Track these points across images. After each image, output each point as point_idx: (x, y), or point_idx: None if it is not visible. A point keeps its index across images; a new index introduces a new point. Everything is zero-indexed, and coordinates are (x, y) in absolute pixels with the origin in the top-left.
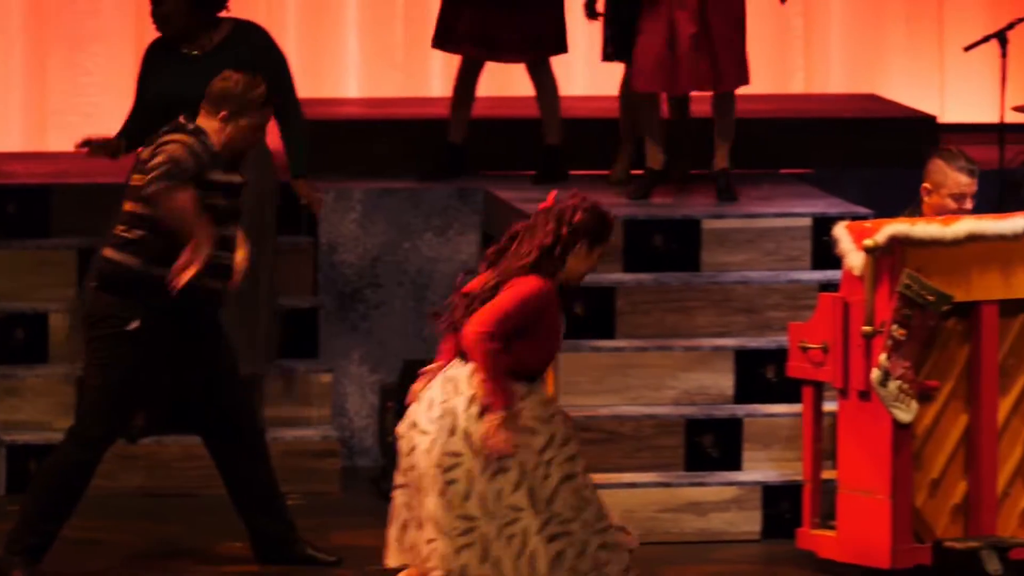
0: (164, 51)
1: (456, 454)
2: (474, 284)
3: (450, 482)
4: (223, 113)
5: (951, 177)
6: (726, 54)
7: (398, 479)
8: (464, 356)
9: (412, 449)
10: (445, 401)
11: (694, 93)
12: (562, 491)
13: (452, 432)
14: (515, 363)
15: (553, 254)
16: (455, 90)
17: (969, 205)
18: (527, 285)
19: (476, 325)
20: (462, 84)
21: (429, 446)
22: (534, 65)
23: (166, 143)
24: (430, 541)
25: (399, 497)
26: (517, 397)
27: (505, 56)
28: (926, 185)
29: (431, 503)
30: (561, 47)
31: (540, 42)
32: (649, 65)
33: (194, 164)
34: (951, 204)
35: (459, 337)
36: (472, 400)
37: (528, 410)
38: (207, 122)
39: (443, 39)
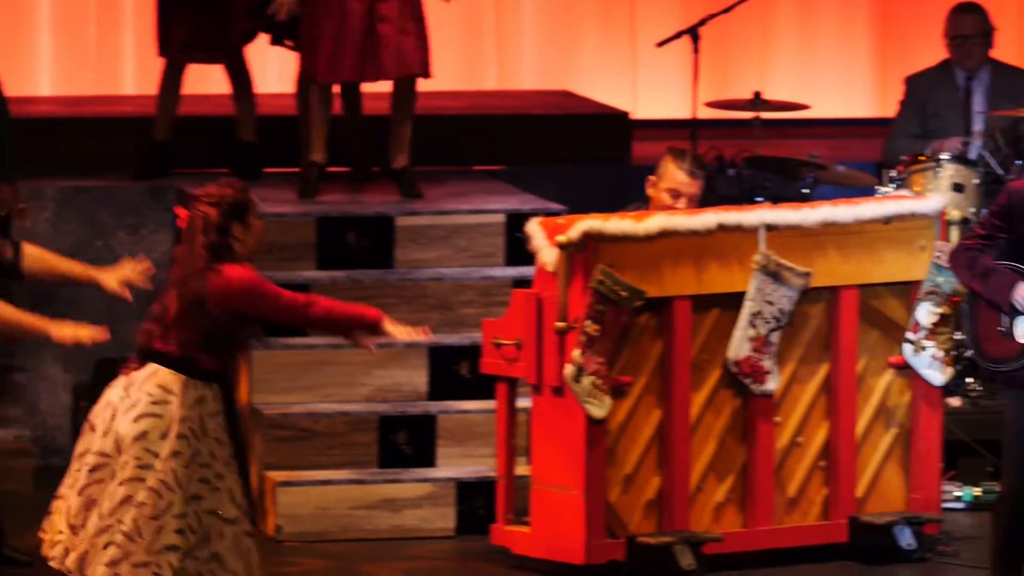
0: None
1: (105, 455)
2: (158, 308)
3: (95, 481)
4: None
5: (670, 172)
6: (406, 42)
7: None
8: (144, 359)
9: (86, 451)
10: (117, 401)
11: (378, 90)
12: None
13: (106, 433)
14: (210, 358)
15: (223, 256)
16: (161, 90)
17: (683, 205)
18: (240, 270)
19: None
20: (168, 84)
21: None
22: (232, 64)
23: None
24: (60, 530)
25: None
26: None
27: (212, 58)
28: (651, 178)
29: (71, 495)
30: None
31: (239, 40)
32: (320, 54)
33: None
34: (667, 199)
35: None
36: (132, 406)
37: (216, 420)
38: None
39: (163, 47)
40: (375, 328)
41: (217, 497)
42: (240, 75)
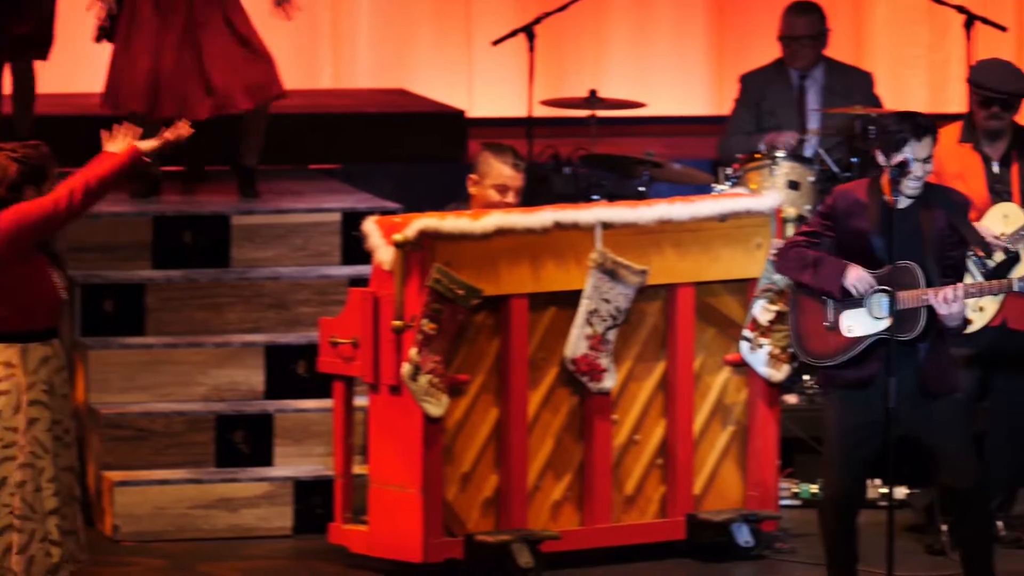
0: None
1: None
2: None
3: None
4: None
5: (495, 168)
6: (243, 71)
7: None
8: None
9: None
10: None
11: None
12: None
13: None
14: (35, 316)
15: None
16: None
17: (511, 199)
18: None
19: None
20: None
21: None
22: (16, 67)
23: None
24: None
25: None
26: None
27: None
28: (473, 176)
29: None
30: (44, 54)
31: (28, 45)
32: (127, 89)
33: None
34: (494, 195)
35: None
36: None
37: (61, 376)
38: None
39: None
40: (136, 164)
41: (68, 454)
42: (22, 78)
